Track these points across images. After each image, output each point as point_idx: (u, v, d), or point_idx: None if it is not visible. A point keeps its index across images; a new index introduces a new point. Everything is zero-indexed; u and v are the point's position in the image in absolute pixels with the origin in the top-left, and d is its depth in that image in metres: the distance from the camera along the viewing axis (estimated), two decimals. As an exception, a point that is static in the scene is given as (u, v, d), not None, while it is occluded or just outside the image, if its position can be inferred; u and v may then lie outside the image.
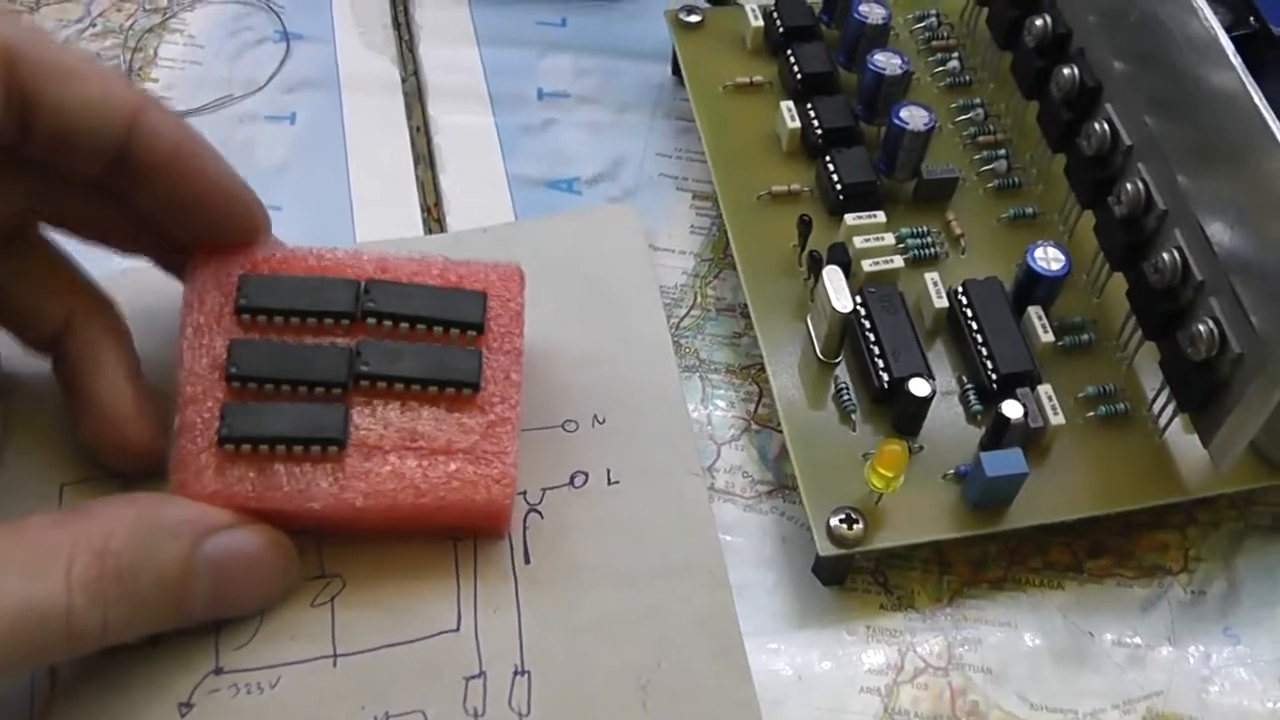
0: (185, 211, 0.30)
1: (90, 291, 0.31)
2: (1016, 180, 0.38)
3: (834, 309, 0.32)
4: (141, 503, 0.28)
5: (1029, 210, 0.37)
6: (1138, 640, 0.32)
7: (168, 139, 0.28)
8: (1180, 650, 0.32)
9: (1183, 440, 0.33)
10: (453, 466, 0.29)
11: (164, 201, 0.29)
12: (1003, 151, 0.38)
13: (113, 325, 0.31)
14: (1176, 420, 0.33)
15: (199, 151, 0.29)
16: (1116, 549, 0.34)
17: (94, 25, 0.44)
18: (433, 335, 0.31)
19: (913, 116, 0.36)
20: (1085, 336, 0.35)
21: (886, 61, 0.37)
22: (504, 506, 0.30)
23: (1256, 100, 0.30)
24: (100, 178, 0.29)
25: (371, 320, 0.30)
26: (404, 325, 0.30)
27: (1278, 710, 0.31)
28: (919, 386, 0.31)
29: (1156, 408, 0.33)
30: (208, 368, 0.29)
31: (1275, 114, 0.35)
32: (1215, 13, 0.36)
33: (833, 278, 0.32)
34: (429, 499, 0.29)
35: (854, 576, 0.32)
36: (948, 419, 0.33)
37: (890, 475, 0.30)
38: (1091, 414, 0.33)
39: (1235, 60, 0.30)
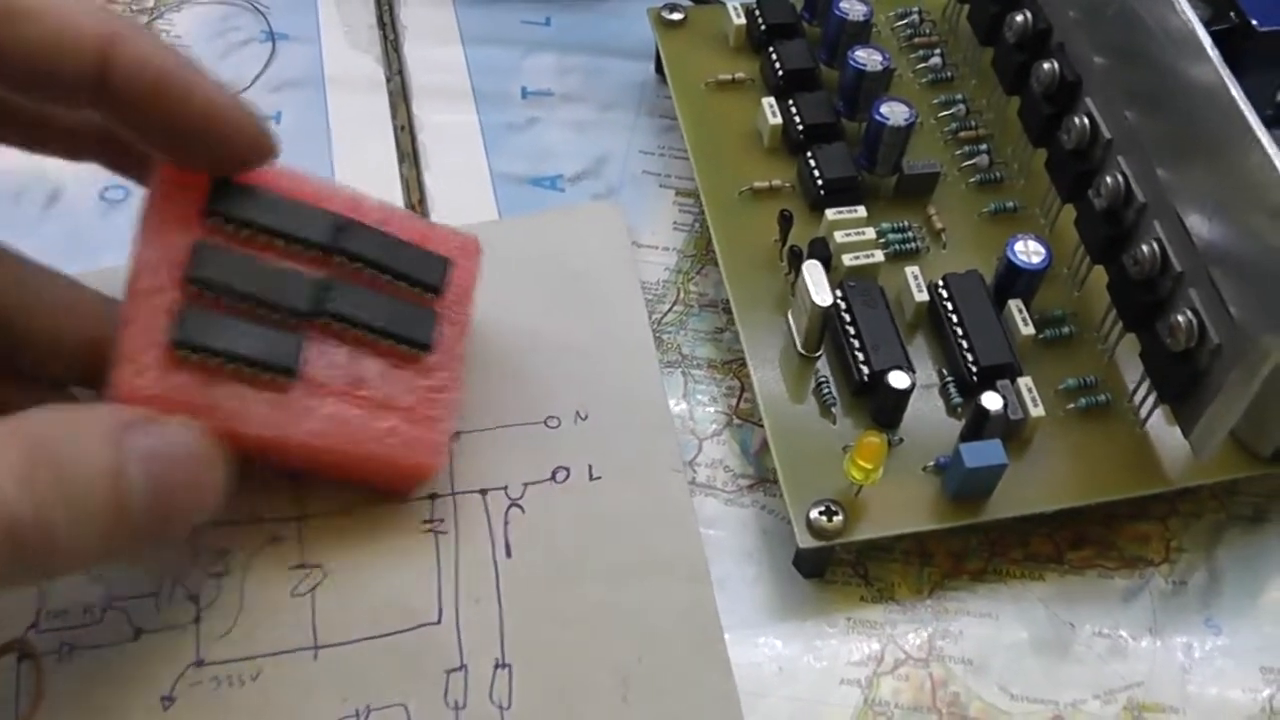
0: (180, 141, 0.28)
1: None
2: (998, 175, 0.38)
3: (814, 303, 0.32)
4: (58, 408, 0.26)
5: (1010, 204, 0.37)
6: (1119, 631, 0.32)
7: (150, 68, 0.26)
8: (1162, 641, 0.32)
9: (1164, 431, 0.33)
10: (391, 423, 0.29)
11: (155, 132, 0.28)
12: (984, 146, 0.39)
13: None
14: (1158, 411, 0.33)
15: (186, 79, 0.27)
16: (1098, 540, 0.34)
17: (81, 26, 0.44)
18: (395, 289, 0.30)
19: (893, 112, 0.36)
20: (1066, 329, 0.35)
21: (867, 58, 0.37)
22: (429, 472, 0.30)
23: (1234, 94, 0.30)
24: (83, 108, 0.27)
25: (340, 258, 0.30)
26: (370, 271, 0.30)
27: (1259, 700, 0.31)
28: (898, 379, 0.31)
29: (1137, 399, 0.33)
30: (166, 264, 0.28)
31: (1254, 107, 0.35)
32: (1195, 7, 0.36)
33: (812, 272, 0.32)
34: (361, 450, 0.29)
35: (835, 569, 0.33)
36: (928, 412, 0.33)
37: (869, 467, 0.30)
38: (1072, 406, 0.33)
39: (1213, 54, 0.31)
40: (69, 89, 0.27)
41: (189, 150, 0.28)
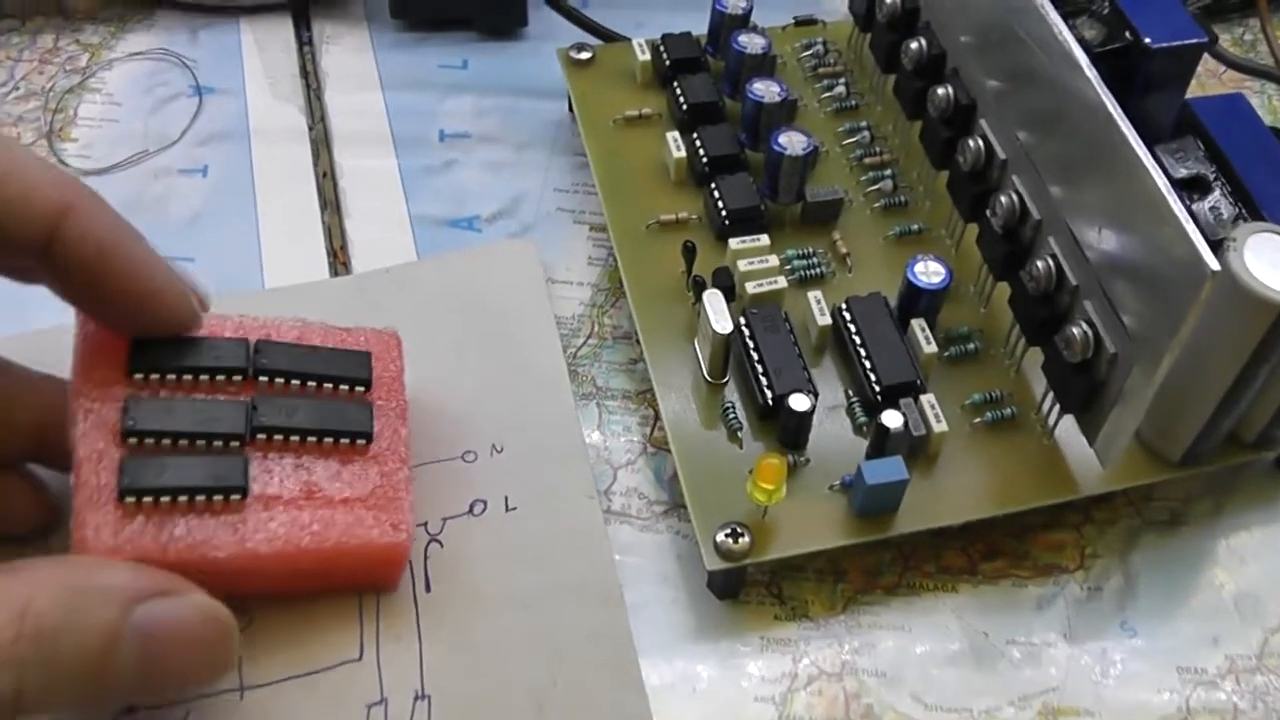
0: (111, 309, 0.29)
1: None
2: (903, 199, 0.39)
3: (714, 331, 0.33)
4: (73, 564, 0.27)
5: (915, 227, 0.38)
6: (1033, 638, 0.33)
7: (92, 243, 0.28)
8: (1076, 646, 0.33)
9: (1074, 441, 0.34)
10: (351, 515, 0.30)
11: (90, 300, 0.29)
12: (889, 172, 0.40)
13: None
14: (1069, 423, 0.33)
15: (129, 255, 0.29)
16: (1011, 551, 0.34)
17: (17, 89, 0.45)
18: (323, 392, 0.31)
19: (791, 142, 0.37)
20: (971, 346, 0.36)
21: (765, 89, 0.38)
22: (403, 550, 0.31)
23: (1113, 112, 0.30)
24: (26, 266, 0.29)
25: (264, 378, 0.31)
26: (295, 382, 0.31)
27: (1174, 700, 0.32)
28: (798, 401, 0.32)
29: (1044, 410, 0.34)
30: (101, 427, 0.29)
31: (1153, 123, 0.36)
32: (1089, 28, 0.38)
33: (712, 301, 0.33)
34: (330, 545, 0.30)
35: (749, 590, 0.33)
36: (836, 432, 0.34)
37: (770, 488, 0.31)
38: (979, 420, 0.34)
39: (1091, 74, 0.31)
40: (17, 250, 0.28)
41: (120, 319, 0.30)
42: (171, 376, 0.30)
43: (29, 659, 0.24)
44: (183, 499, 0.29)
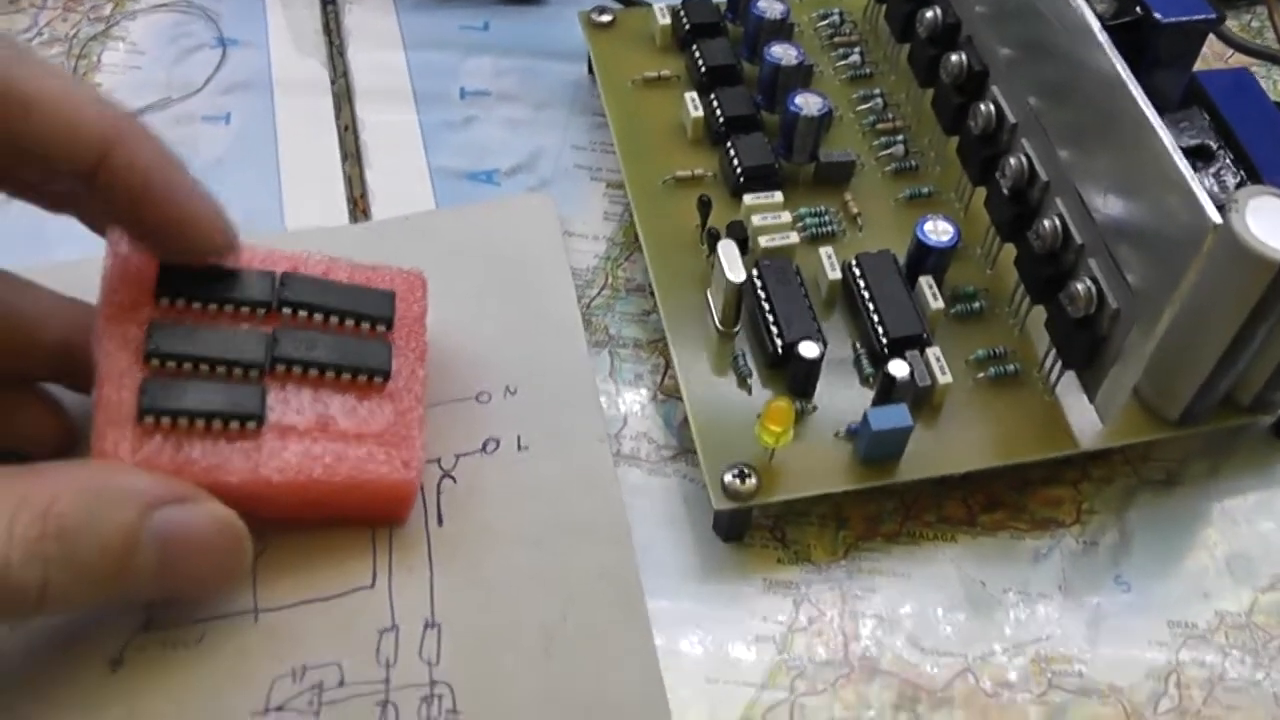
0: (150, 234, 0.30)
1: None
2: (914, 163, 0.40)
3: (728, 280, 0.34)
4: (93, 468, 0.28)
5: (925, 190, 0.39)
6: (1029, 589, 0.34)
7: (140, 172, 0.28)
8: (1070, 598, 0.34)
9: (1074, 399, 0.34)
10: (364, 450, 0.31)
11: (130, 223, 0.30)
12: (901, 137, 0.40)
13: None
14: (1070, 381, 0.34)
15: (170, 183, 0.29)
16: (1010, 503, 0.35)
17: (41, 34, 0.46)
18: (344, 328, 0.32)
19: (807, 103, 0.38)
20: (977, 304, 0.36)
21: (783, 53, 0.39)
22: (412, 488, 0.31)
23: (1127, 81, 0.31)
24: (67, 189, 0.29)
25: (287, 310, 0.31)
26: (318, 316, 0.32)
27: (1165, 652, 0.33)
28: (808, 349, 0.33)
29: (1046, 367, 0.35)
30: (126, 348, 0.30)
31: (1161, 95, 0.37)
32: (1100, 1, 0.38)
33: (727, 251, 0.34)
34: (341, 478, 0.30)
35: (753, 533, 0.34)
36: (843, 383, 0.35)
37: (778, 430, 0.31)
38: (983, 375, 0.35)
39: (1106, 44, 0.32)
40: (61, 177, 0.28)
41: (156, 242, 0.30)
42: (197, 304, 0.31)
43: (53, 556, 0.25)
44: (200, 423, 0.29)
